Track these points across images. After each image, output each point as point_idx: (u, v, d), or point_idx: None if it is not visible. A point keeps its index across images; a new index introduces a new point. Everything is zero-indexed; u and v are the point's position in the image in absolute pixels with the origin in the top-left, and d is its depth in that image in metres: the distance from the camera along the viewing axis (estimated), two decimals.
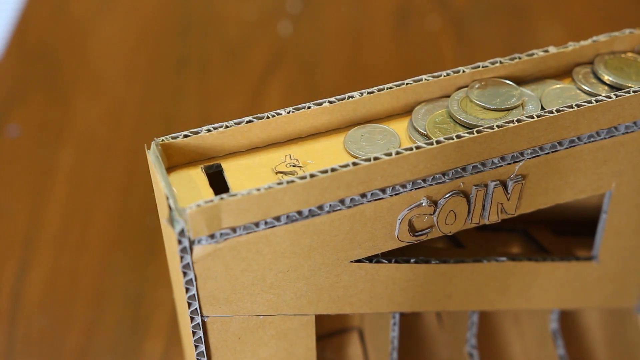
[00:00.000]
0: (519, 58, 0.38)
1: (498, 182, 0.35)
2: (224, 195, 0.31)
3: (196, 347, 0.35)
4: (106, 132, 0.65)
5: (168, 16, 0.75)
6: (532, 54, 0.38)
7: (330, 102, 0.36)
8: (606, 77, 0.38)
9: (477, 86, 0.37)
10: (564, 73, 0.39)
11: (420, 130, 0.36)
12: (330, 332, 0.47)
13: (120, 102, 0.68)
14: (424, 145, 0.33)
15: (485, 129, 0.34)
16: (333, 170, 0.32)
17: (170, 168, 0.35)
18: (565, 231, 0.45)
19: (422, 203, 0.34)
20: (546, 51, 0.38)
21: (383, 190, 0.33)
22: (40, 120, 0.66)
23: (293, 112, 0.35)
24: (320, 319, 0.42)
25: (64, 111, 0.66)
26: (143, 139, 0.64)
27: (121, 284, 0.55)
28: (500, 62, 0.37)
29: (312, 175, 0.32)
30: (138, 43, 0.73)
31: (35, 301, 0.54)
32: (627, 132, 0.37)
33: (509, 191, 0.36)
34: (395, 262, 0.37)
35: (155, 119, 0.66)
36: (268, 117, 0.35)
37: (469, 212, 0.36)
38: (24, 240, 0.58)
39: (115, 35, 0.73)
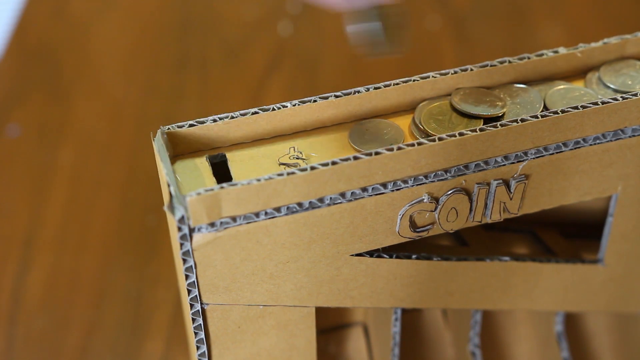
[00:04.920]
0: (528, 58, 0.37)
1: (501, 180, 0.35)
2: (224, 184, 0.31)
3: (196, 334, 0.35)
4: (106, 132, 0.65)
5: (168, 16, 0.75)
6: (542, 55, 0.38)
7: (336, 97, 0.36)
8: (613, 87, 0.37)
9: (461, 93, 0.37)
10: (574, 75, 0.39)
11: (419, 125, 0.36)
12: (335, 325, 0.47)
13: (120, 102, 0.68)
14: (425, 141, 0.33)
15: (489, 127, 0.34)
16: (334, 163, 0.32)
17: (176, 156, 0.35)
18: (575, 234, 0.45)
19: (424, 199, 0.34)
20: (556, 52, 0.38)
21: (384, 185, 0.33)
22: (40, 120, 0.66)
23: (299, 105, 0.35)
24: (324, 313, 0.42)
25: (64, 111, 0.66)
26: (143, 138, 0.64)
27: (121, 284, 0.55)
28: (509, 62, 0.37)
29: (312, 168, 0.32)
30: (138, 43, 0.72)
31: (35, 301, 0.54)
32: (634, 135, 0.36)
33: (512, 190, 0.36)
34: (396, 257, 0.37)
35: (155, 119, 0.66)
36: (273, 109, 0.35)
37: (470, 210, 0.36)
38: (24, 240, 0.58)
39: (115, 35, 0.73)
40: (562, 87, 0.38)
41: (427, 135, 0.35)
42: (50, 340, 0.52)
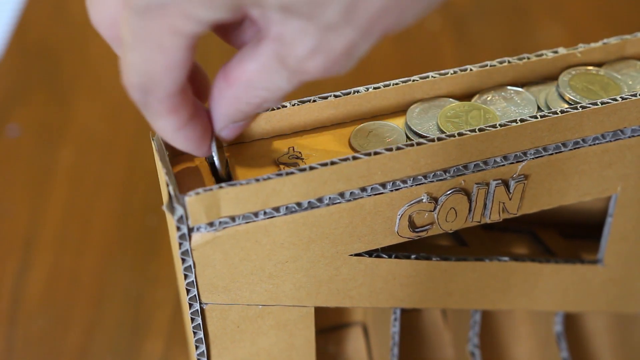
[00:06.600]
0: (528, 58, 0.37)
1: (500, 181, 0.35)
2: (223, 184, 0.31)
3: (195, 333, 0.35)
4: (106, 132, 0.65)
5: None
6: (542, 55, 0.38)
7: (335, 96, 0.36)
8: (572, 99, 0.37)
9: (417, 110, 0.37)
10: None
11: (414, 129, 0.36)
12: (334, 325, 0.47)
13: (120, 102, 0.68)
14: (424, 141, 0.33)
15: (488, 127, 0.34)
16: (333, 163, 0.32)
17: (175, 157, 0.35)
18: (575, 234, 0.45)
19: (423, 199, 0.34)
20: (555, 52, 0.38)
21: (383, 185, 0.33)
22: (40, 120, 0.66)
23: (298, 104, 0.35)
24: (323, 313, 0.42)
25: (64, 111, 0.66)
26: (143, 138, 0.64)
27: (121, 284, 0.55)
28: (509, 62, 0.37)
29: (311, 168, 0.32)
30: None
31: (35, 301, 0.54)
32: (633, 136, 0.36)
33: (511, 191, 0.36)
34: (395, 257, 0.37)
35: None
36: (272, 109, 0.35)
37: (470, 210, 0.36)
38: (24, 240, 0.58)
39: None
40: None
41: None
42: (50, 340, 0.52)
